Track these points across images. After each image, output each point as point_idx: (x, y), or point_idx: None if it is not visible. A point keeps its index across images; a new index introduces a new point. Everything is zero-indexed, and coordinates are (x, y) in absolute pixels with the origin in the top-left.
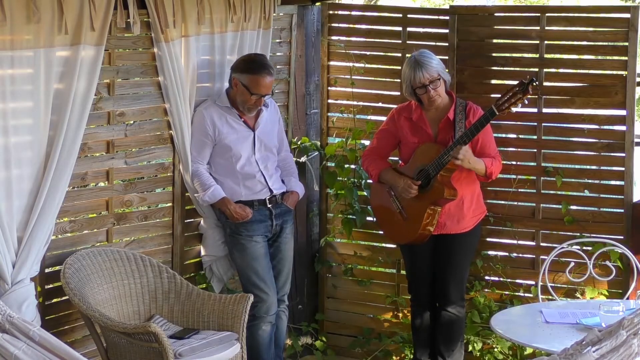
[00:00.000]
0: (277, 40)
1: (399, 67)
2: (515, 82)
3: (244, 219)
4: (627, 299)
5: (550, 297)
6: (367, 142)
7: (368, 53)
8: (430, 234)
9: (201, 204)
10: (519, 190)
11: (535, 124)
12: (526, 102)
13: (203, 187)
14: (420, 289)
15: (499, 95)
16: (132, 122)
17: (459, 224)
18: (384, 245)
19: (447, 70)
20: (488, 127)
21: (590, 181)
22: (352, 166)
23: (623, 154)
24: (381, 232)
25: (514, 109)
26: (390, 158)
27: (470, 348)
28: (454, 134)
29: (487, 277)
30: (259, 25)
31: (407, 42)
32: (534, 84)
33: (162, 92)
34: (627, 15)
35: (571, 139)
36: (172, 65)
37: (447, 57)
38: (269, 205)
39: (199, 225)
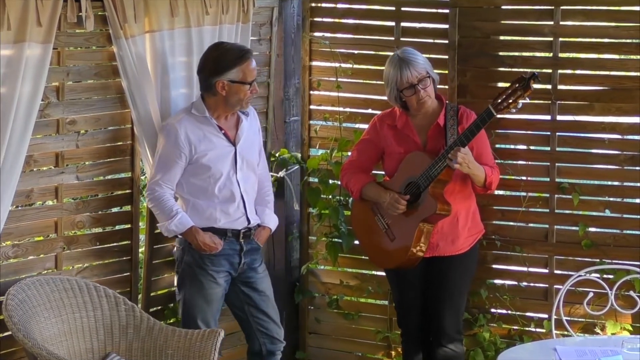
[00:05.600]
0: (256, 38)
1: None
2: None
3: (212, 251)
4: None
5: (565, 332)
6: None
7: (356, 52)
8: (421, 256)
9: (165, 234)
10: (530, 209)
11: (549, 133)
12: (527, 99)
13: (168, 215)
14: (411, 321)
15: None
16: (84, 131)
17: (453, 244)
18: (374, 272)
19: (446, 71)
20: (483, 135)
21: (611, 199)
22: (338, 182)
23: None
24: None
25: (513, 110)
26: (373, 172)
27: None
28: (445, 141)
29: (492, 310)
30: (237, 19)
31: (401, 39)
32: (536, 78)
33: (120, 97)
34: None
35: (590, 150)
36: (135, 65)
37: (446, 57)
38: (241, 240)
39: (172, 252)
